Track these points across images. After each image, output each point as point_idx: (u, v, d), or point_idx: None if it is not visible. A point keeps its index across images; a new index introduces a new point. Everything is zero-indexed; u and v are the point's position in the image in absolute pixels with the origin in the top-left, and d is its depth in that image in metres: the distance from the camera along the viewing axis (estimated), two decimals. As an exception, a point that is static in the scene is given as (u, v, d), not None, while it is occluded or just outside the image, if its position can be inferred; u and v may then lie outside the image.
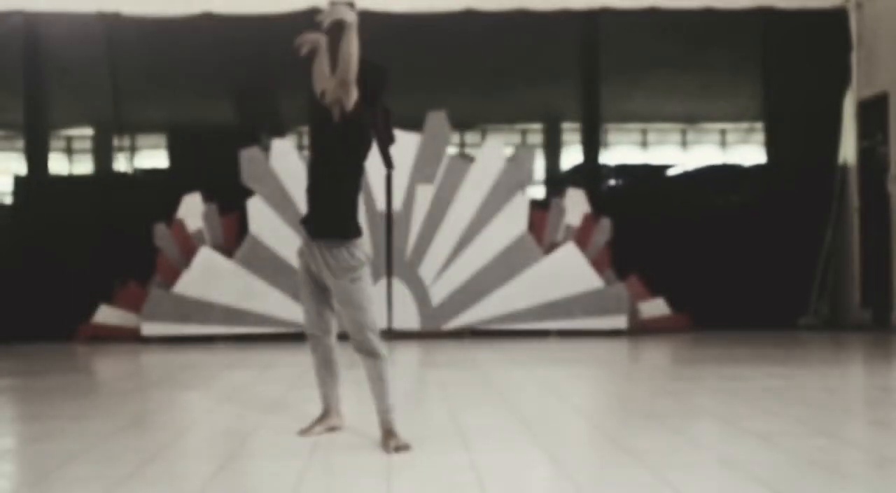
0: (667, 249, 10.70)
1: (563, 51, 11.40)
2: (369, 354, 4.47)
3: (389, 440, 4.38)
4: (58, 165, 11.32)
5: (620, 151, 11.75)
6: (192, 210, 10.25)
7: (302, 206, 8.84)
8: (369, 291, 4.49)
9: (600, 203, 10.74)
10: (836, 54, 11.35)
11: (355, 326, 4.45)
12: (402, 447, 4.31)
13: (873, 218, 11.06)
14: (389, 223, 10.14)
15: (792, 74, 11.31)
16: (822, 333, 10.57)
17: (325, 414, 4.80)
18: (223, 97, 11.28)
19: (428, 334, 10.16)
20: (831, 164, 11.38)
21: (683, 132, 12.04)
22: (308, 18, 10.66)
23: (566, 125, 11.90)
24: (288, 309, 9.88)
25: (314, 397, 4.91)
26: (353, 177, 4.50)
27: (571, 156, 11.74)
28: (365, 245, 4.53)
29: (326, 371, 4.75)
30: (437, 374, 7.31)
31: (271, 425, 5.06)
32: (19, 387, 7.03)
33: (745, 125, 11.66)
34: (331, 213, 4.45)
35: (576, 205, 10.56)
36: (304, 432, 4.73)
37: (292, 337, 9.89)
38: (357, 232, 4.48)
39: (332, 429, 4.76)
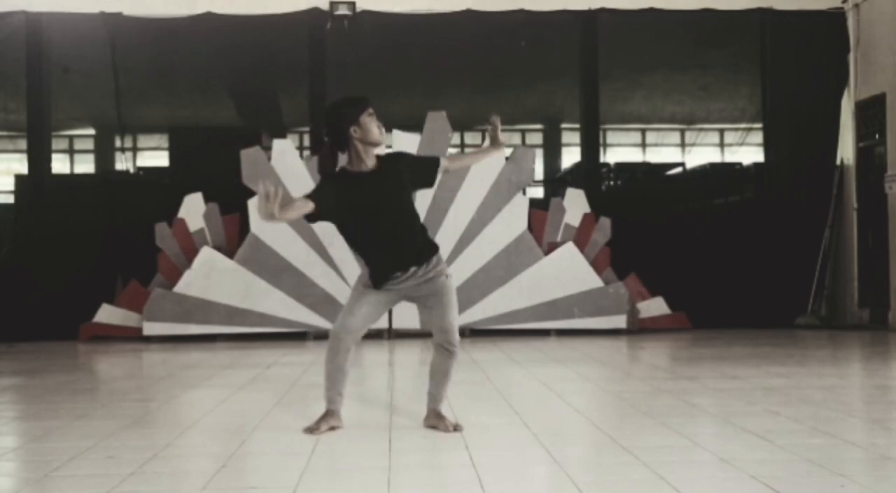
0: (666, 248, 10.72)
1: (563, 51, 11.43)
2: (448, 350, 4.92)
3: (440, 421, 4.85)
4: (60, 164, 11.36)
5: (620, 151, 11.79)
6: (194, 210, 10.28)
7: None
8: None
9: (600, 203, 10.76)
10: (834, 55, 11.37)
11: (447, 324, 4.88)
12: (457, 427, 4.80)
13: (871, 218, 11.09)
14: (390, 223, 10.15)
15: (790, 75, 11.34)
16: (821, 332, 10.60)
17: (330, 414, 4.86)
18: (225, 97, 11.31)
19: (428, 334, 10.13)
20: (829, 164, 11.41)
21: (682, 132, 12.07)
22: (308, 18, 10.86)
23: (566, 125, 11.94)
24: (289, 309, 9.91)
25: (315, 397, 4.94)
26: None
27: (571, 156, 11.77)
28: None
29: (342, 374, 4.87)
30: (437, 373, 7.32)
31: (272, 424, 5.09)
32: (21, 386, 7.05)
33: (743, 125, 11.69)
34: (421, 241, 4.84)
35: (575, 205, 10.58)
36: (309, 430, 4.77)
37: (293, 337, 9.92)
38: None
39: (334, 428, 4.81)
